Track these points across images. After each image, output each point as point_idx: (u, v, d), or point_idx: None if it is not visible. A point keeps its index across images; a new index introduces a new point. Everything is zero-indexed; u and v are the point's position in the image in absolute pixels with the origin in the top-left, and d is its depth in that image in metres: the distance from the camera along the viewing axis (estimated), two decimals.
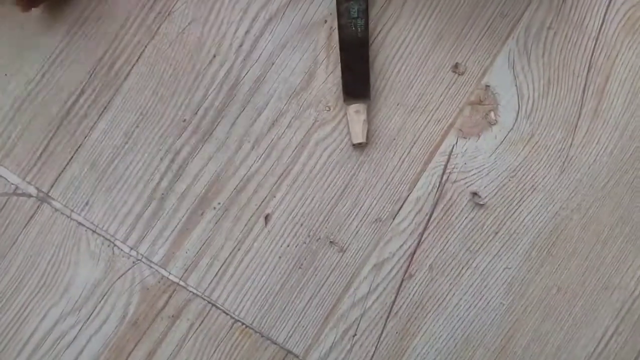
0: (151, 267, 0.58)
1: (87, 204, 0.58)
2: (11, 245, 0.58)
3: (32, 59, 0.58)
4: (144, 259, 0.58)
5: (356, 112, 0.56)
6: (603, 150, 0.58)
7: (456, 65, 0.58)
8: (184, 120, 0.58)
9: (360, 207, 0.58)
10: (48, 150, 0.58)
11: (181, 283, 0.58)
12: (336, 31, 0.57)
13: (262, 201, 0.58)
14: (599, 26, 0.58)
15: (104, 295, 0.58)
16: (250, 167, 0.58)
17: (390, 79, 0.58)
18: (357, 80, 0.56)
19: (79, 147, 0.58)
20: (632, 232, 0.58)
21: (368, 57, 0.56)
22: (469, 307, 0.58)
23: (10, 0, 0.53)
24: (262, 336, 0.58)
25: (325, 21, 0.58)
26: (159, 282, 0.58)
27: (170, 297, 0.58)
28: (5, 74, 0.58)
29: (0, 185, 0.58)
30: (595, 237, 0.58)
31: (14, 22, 0.58)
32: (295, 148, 0.58)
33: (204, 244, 0.58)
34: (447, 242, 0.58)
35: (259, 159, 0.58)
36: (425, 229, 0.58)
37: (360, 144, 0.57)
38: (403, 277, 0.58)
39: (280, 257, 0.58)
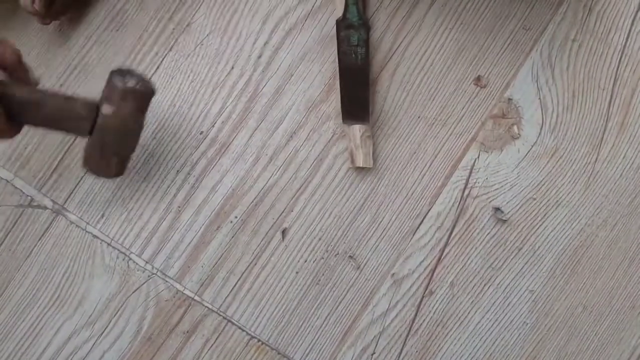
0: (166, 281, 0.57)
1: (102, 216, 0.57)
2: (26, 257, 0.57)
3: (51, 69, 0.58)
4: (159, 273, 0.57)
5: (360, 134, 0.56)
6: (629, 165, 0.57)
7: (478, 78, 0.57)
8: (201, 133, 0.57)
9: (380, 222, 0.57)
10: (64, 162, 0.57)
11: (196, 298, 0.57)
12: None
13: (280, 215, 0.57)
14: (625, 39, 0.57)
15: (119, 310, 0.57)
16: (268, 181, 0.57)
17: (411, 91, 0.57)
18: (356, 104, 0.55)
19: None
20: None
21: (368, 84, 0.55)
22: (492, 325, 0.57)
23: (28, 12, 0.53)
24: (279, 353, 0.57)
25: None
26: (174, 296, 0.57)
27: (185, 312, 0.57)
28: None
29: (16, 197, 0.57)
30: (621, 255, 0.57)
31: (32, 33, 0.58)
32: (314, 161, 0.57)
33: (220, 258, 0.57)
34: (469, 258, 0.57)
35: (277, 172, 0.57)
36: (446, 244, 0.57)
37: (362, 168, 0.57)
38: (423, 294, 0.57)
39: (297, 272, 0.57)
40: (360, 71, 0.55)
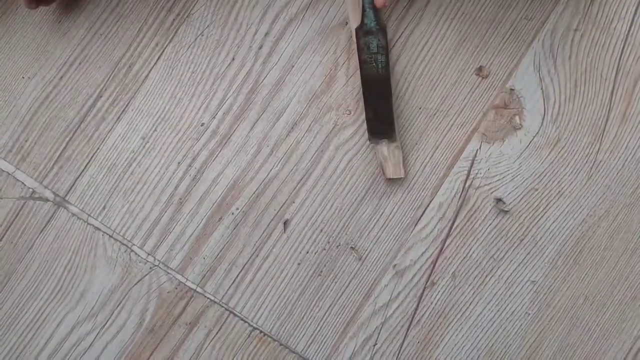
0: (168, 273, 0.57)
1: (104, 208, 0.57)
2: (28, 249, 0.57)
3: (50, 61, 0.58)
4: (161, 265, 0.57)
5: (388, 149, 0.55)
6: (632, 156, 0.57)
7: (480, 68, 0.57)
8: (202, 124, 0.57)
9: (381, 213, 0.57)
10: (65, 154, 0.57)
11: (198, 289, 0.57)
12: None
13: (281, 206, 0.57)
14: (628, 28, 0.57)
15: (121, 302, 0.57)
16: (269, 172, 0.57)
17: (412, 82, 0.57)
18: (380, 119, 0.55)
19: (96, 151, 0.57)
20: None
21: (391, 95, 0.54)
22: (493, 316, 0.57)
23: None
24: (281, 344, 0.57)
25: (346, 23, 0.57)
26: (176, 288, 0.57)
27: (187, 303, 0.57)
28: (23, 77, 0.58)
29: (17, 189, 0.57)
30: (623, 245, 0.57)
31: (32, 24, 0.58)
32: (315, 152, 0.57)
33: (222, 250, 0.57)
34: (471, 249, 0.57)
35: (278, 163, 0.57)
36: (448, 235, 0.57)
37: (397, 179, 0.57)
38: (425, 285, 0.57)
39: (299, 264, 0.57)
40: (382, 82, 0.54)
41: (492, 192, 0.57)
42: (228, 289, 0.57)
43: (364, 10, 0.53)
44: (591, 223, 0.57)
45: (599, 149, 0.57)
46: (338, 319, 0.57)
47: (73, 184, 0.57)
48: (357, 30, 0.53)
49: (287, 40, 0.57)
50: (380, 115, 0.55)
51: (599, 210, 0.57)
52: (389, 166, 0.55)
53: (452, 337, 0.57)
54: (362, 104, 0.57)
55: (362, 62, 0.54)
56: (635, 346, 0.56)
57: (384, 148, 0.55)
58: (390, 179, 0.56)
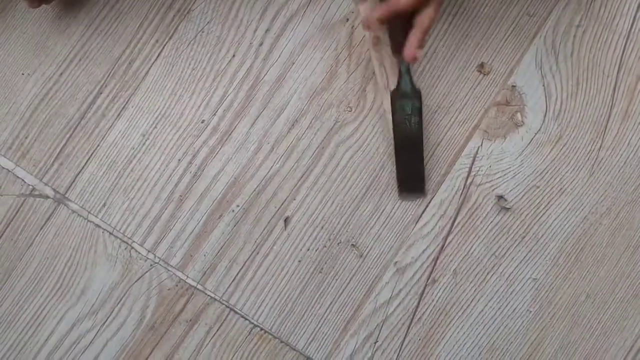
0: (169, 270, 0.57)
1: (104, 205, 0.57)
2: (28, 247, 0.57)
3: (50, 58, 0.57)
4: (161, 262, 0.57)
5: None
6: (634, 153, 0.56)
7: (481, 65, 0.57)
8: (203, 121, 0.57)
9: (382, 211, 0.57)
10: (65, 151, 0.57)
11: (199, 287, 0.57)
12: (358, 30, 0.56)
13: (282, 204, 0.57)
14: (630, 24, 0.56)
15: (121, 299, 0.57)
16: (270, 169, 0.57)
17: (414, 78, 0.57)
18: (412, 176, 0.55)
19: (97, 148, 0.57)
20: None
21: (422, 153, 0.54)
22: (495, 313, 0.56)
23: None
24: (282, 342, 0.57)
25: (347, 19, 0.57)
26: (177, 285, 0.57)
27: (187, 301, 0.57)
28: (23, 73, 0.57)
29: (17, 187, 0.57)
30: (625, 243, 0.56)
31: (32, 21, 0.58)
32: (316, 149, 0.57)
33: (223, 247, 0.57)
34: (472, 246, 0.57)
35: (279, 160, 0.57)
36: (449, 233, 0.57)
37: None
38: (426, 283, 0.57)
39: (300, 261, 0.57)
40: (414, 140, 0.54)
41: (493, 190, 0.57)
42: (229, 287, 0.57)
43: (400, 74, 0.53)
44: (593, 220, 0.56)
45: (600, 146, 0.56)
46: (339, 317, 0.57)
47: (73, 181, 0.57)
48: (392, 92, 0.53)
49: (288, 37, 0.57)
50: (412, 174, 0.55)
51: (600, 207, 0.56)
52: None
53: (453, 334, 0.56)
54: (363, 101, 0.57)
55: (396, 124, 0.54)
56: (636, 344, 0.56)
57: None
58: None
